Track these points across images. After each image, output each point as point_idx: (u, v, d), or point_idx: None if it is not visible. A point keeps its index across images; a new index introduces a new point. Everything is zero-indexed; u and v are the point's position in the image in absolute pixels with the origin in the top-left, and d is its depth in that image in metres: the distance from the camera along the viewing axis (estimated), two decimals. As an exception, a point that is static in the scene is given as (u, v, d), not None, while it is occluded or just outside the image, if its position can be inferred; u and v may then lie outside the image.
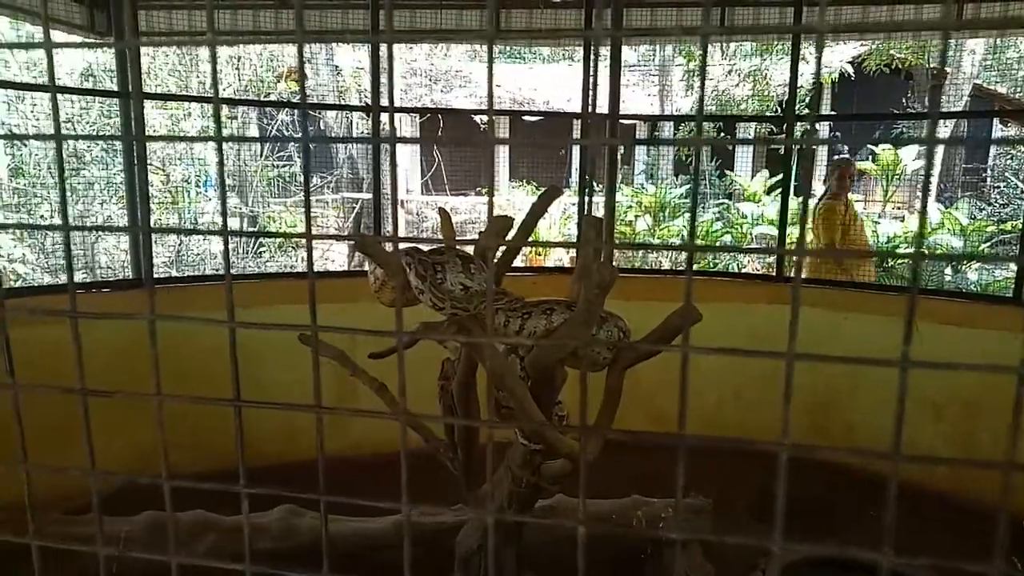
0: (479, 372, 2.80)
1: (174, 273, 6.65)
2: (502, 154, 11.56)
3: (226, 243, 0.71)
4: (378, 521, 3.16)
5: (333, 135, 9.30)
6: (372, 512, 3.23)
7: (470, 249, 2.28)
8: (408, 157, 10.76)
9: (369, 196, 5.11)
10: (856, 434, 4.32)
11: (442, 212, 2.34)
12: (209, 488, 0.79)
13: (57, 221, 6.49)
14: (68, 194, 6.11)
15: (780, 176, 7.64)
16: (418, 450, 3.61)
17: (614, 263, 4.76)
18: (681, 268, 7.24)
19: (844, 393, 4.37)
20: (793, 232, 7.67)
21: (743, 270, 7.67)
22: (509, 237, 2.60)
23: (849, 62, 11.57)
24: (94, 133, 7.07)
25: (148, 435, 3.81)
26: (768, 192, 9.10)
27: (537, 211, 2.63)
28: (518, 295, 2.21)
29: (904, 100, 10.96)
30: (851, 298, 4.60)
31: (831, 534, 3.60)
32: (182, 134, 7.54)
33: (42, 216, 6.74)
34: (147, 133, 4.02)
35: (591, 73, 4.80)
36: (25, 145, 6.77)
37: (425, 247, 2.31)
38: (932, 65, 10.33)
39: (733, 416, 4.57)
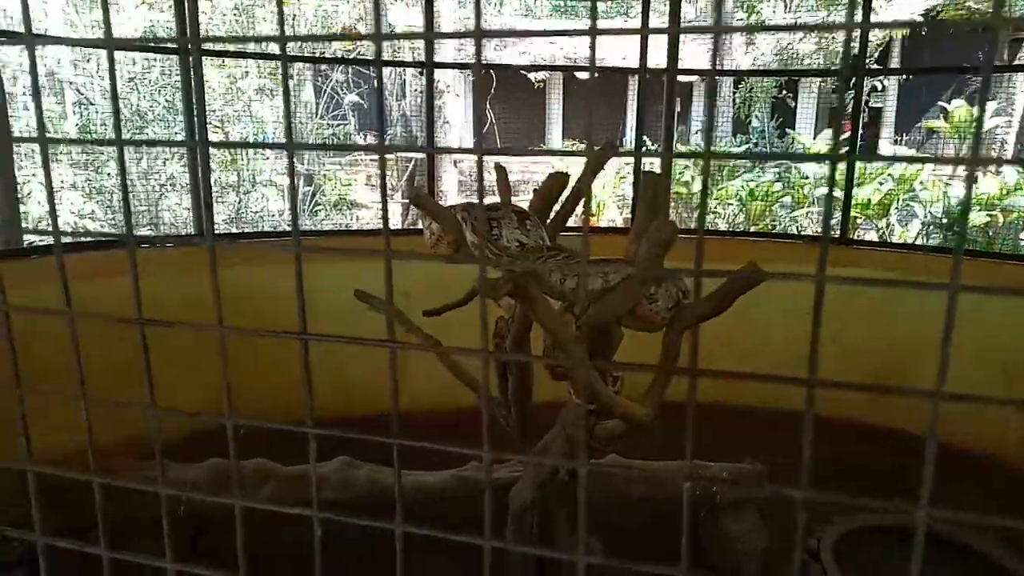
0: (533, 331, 2.79)
1: (234, 230, 6.79)
2: (556, 112, 11.39)
3: (293, 198, 0.70)
4: (437, 474, 3.21)
5: (386, 94, 9.29)
6: (430, 466, 3.29)
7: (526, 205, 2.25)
8: (460, 116, 10.69)
9: (422, 155, 5.10)
10: (925, 400, 4.18)
11: (498, 168, 2.31)
12: (274, 428, 0.79)
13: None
14: (131, 152, 6.27)
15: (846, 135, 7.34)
16: (473, 409, 3.64)
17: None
18: (739, 230, 7.07)
19: (911, 357, 4.23)
20: (859, 193, 7.38)
21: (803, 228, 7.46)
22: (564, 194, 2.55)
23: (921, 14, 10.95)
24: (154, 93, 7.20)
25: (214, 388, 3.93)
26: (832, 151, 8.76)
27: (593, 167, 2.57)
28: (575, 251, 2.17)
29: (980, 54, 10.35)
30: (919, 262, 4.42)
31: (895, 502, 3.51)
32: (241, 93, 7.62)
33: (108, 174, 6.93)
34: (205, 91, 4.07)
35: (646, 27, 4.64)
36: (92, 104, 6.95)
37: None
38: (1013, 16, 9.71)
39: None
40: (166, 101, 6.96)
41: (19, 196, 5.80)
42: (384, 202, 0.76)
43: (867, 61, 9.17)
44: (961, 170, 7.80)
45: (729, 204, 8.33)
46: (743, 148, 9.97)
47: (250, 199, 7.33)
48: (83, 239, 3.84)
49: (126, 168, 0.72)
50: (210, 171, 4.07)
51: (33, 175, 6.10)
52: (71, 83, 7.19)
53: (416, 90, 8.57)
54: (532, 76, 11.16)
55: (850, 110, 4.65)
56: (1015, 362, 3.81)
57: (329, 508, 2.92)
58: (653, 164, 5.38)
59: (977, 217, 7.18)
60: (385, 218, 0.72)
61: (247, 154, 7.39)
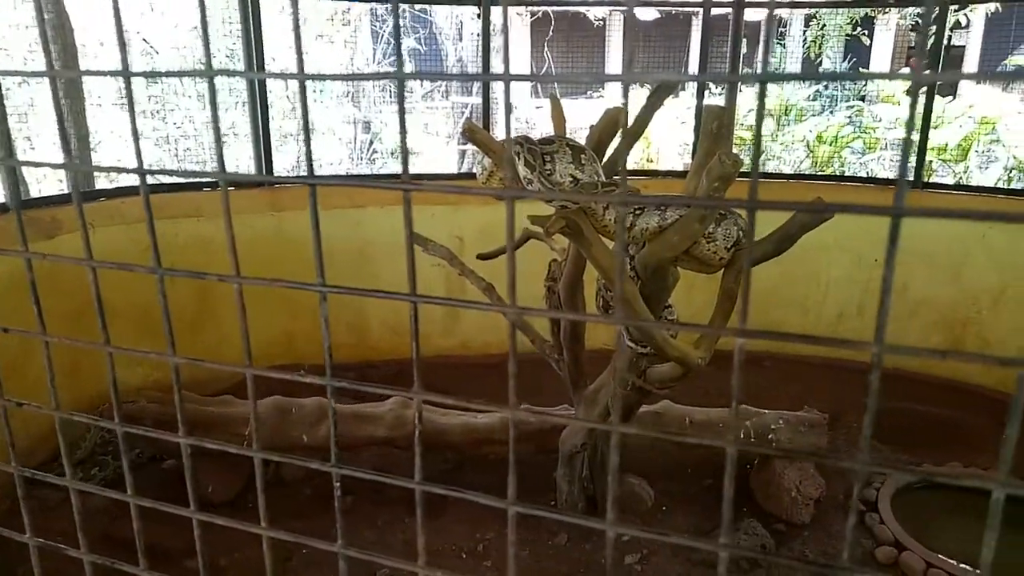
0: (587, 273, 2.75)
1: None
2: (615, 53, 11.06)
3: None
4: (485, 417, 3.24)
5: (443, 37, 9.18)
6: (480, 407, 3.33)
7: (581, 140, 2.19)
8: (517, 59, 10.47)
9: (479, 100, 5.02)
10: (991, 351, 4.00)
11: (553, 99, 2.25)
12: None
13: (190, 127, 6.80)
14: (195, 100, 6.37)
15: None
16: (526, 353, 3.66)
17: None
18: (804, 172, 6.80)
19: (985, 307, 4.04)
20: (936, 136, 6.98)
21: (873, 175, 7.11)
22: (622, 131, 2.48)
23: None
24: (214, 41, 7.27)
25: (279, 328, 4.06)
26: (908, 92, 8.28)
27: (653, 104, 2.48)
28: (633, 188, 2.11)
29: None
30: (994, 204, 4.17)
31: (957, 455, 3.40)
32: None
33: (175, 124, 7.09)
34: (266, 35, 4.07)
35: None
36: (158, 53, 7.07)
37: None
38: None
39: (855, 330, 4.33)
40: (228, 49, 7.03)
41: (90, 145, 5.98)
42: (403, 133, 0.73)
43: (952, -6, 8.58)
44: (1051, 110, 7.19)
45: (795, 149, 8.00)
46: (813, 90, 9.52)
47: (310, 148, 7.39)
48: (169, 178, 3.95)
49: (216, 104, 0.71)
50: (268, 111, 4.10)
51: (100, 127, 6.28)
52: (137, 32, 7.32)
53: (473, 33, 8.42)
54: (591, 15, 10.83)
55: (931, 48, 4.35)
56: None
57: (385, 444, 3.00)
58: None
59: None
60: (404, 157, 0.70)
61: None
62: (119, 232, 3.45)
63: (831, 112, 8.82)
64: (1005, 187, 6.28)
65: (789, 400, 3.41)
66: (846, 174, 7.13)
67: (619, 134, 2.59)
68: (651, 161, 7.55)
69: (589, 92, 10.43)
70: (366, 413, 3.14)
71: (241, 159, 7.00)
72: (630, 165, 5.73)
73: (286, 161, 7.50)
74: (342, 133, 7.52)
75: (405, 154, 0.66)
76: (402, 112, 0.64)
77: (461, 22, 8.56)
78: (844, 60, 10.87)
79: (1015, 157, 7.13)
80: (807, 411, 3.22)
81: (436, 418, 3.17)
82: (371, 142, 7.51)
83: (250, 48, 3.95)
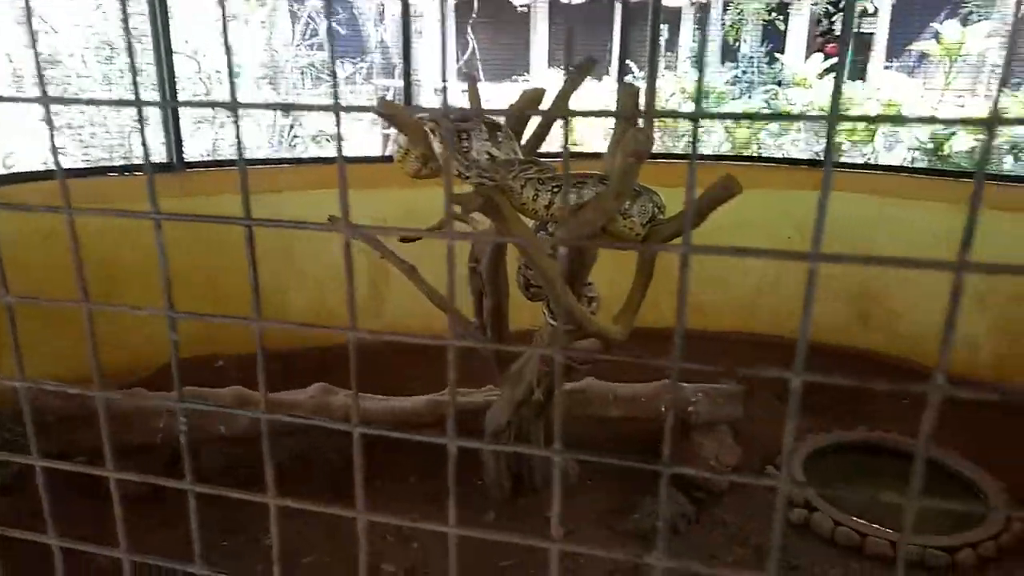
0: (509, 253, 2.76)
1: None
2: (541, 38, 11.09)
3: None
4: (411, 400, 3.23)
5: (365, 19, 8.99)
6: (405, 391, 3.30)
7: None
8: (440, 43, 10.35)
9: (401, 83, 4.94)
10: (899, 322, 4.23)
11: (469, 77, 2.23)
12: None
13: (92, 111, 6.46)
14: (102, 83, 6.06)
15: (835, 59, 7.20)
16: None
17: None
18: (721, 154, 6.98)
19: (890, 281, 4.25)
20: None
21: (786, 155, 7.37)
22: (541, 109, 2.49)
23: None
24: (124, 21, 6.91)
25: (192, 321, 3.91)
26: (821, 76, 8.59)
27: (572, 82, 2.50)
28: (550, 164, 2.11)
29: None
30: (897, 183, 4.39)
31: (864, 420, 3.58)
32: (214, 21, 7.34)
33: (79, 109, 6.72)
34: (170, 20, 3.90)
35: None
36: (56, 32, 6.68)
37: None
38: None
39: (771, 305, 4.49)
40: (134, 28, 6.70)
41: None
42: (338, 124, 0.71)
43: (859, -18, 8.93)
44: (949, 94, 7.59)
45: (715, 131, 8.20)
46: (732, 74, 9.77)
47: (226, 130, 7.15)
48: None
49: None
50: (177, 96, 3.93)
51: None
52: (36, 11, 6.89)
53: (395, 15, 8.28)
54: (516, 0, 10.81)
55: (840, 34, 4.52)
56: (988, 283, 3.83)
57: (305, 433, 2.96)
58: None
59: (964, 141, 7.11)
60: (339, 142, 0.68)
61: (221, 84, 7.18)
62: (19, 220, 3.26)
63: (749, 96, 9.08)
64: (909, 166, 6.59)
65: (708, 373, 3.51)
66: (763, 155, 7.36)
67: (542, 115, 2.60)
68: (577, 144, 7.61)
69: (515, 76, 10.42)
70: (286, 400, 3.07)
71: (151, 145, 6.70)
72: (553, 147, 5.76)
73: (201, 146, 7.23)
74: (261, 117, 7.28)
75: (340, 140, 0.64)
76: (336, 96, 0.62)
77: (383, 4, 8.40)
78: (761, 45, 11.19)
79: (918, 139, 7.50)
80: (725, 383, 3.33)
81: (360, 402, 3.13)
82: (291, 126, 7.31)
83: (156, 29, 3.78)
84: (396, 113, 1.94)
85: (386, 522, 0.72)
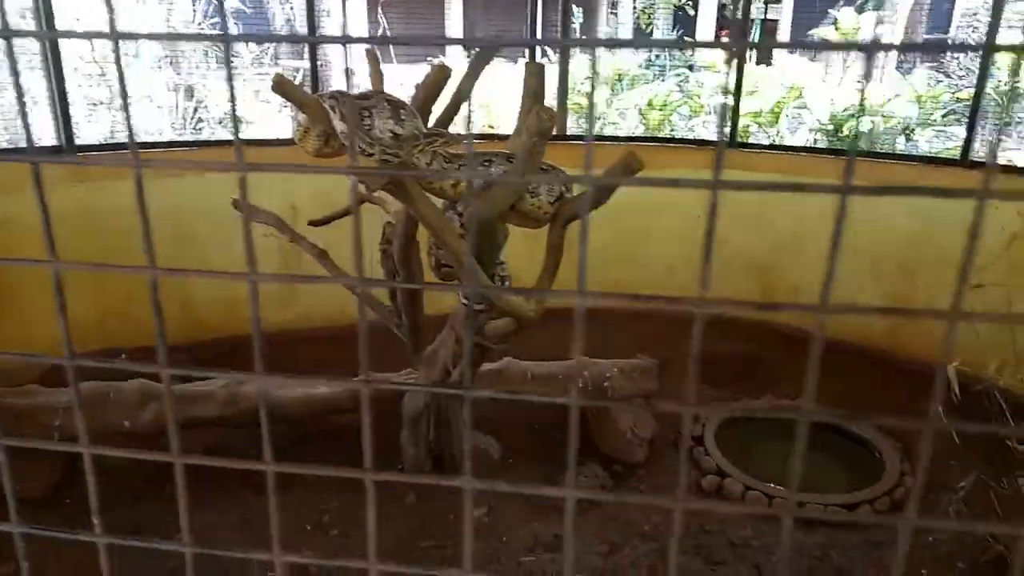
0: (420, 234, 2.73)
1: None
2: (455, 20, 10.99)
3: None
4: (329, 386, 3.16)
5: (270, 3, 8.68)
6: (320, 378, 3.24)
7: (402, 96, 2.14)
8: (352, 23, 10.10)
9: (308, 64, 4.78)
10: (800, 294, 4.42)
11: (369, 55, 2.18)
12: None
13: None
14: (-20, 62, 5.63)
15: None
16: (368, 321, 3.59)
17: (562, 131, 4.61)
18: (636, 135, 7.10)
19: (790, 254, 4.43)
20: (751, 103, 7.54)
21: (697, 137, 7.57)
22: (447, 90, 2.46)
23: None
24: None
25: (88, 309, 3.72)
26: (727, 62, 8.87)
27: (476, 67, 2.48)
28: (456, 134, 2.09)
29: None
30: (800, 162, 4.58)
31: (769, 388, 3.74)
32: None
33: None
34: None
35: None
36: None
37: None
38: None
39: (684, 283, 4.62)
40: (20, 10, 6.26)
41: None
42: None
43: (761, -31, 9.22)
44: (849, 77, 7.93)
45: (630, 114, 8.34)
46: (644, 58, 9.94)
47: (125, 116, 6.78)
48: None
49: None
50: (63, 79, 3.69)
51: None
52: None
53: (303, -5, 8.02)
54: (429, -17, 10.65)
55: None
56: (879, 255, 4.05)
57: (217, 425, 2.85)
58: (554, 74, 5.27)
59: (863, 124, 7.48)
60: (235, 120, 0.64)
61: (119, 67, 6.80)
62: None
63: (662, 80, 9.26)
64: (811, 147, 6.88)
65: (622, 350, 3.58)
66: (675, 137, 7.54)
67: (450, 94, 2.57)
68: (492, 127, 7.59)
69: (429, 57, 10.29)
70: (196, 393, 2.96)
71: (38, 128, 6.30)
72: (464, 129, 5.72)
73: (98, 131, 6.84)
74: (162, 100, 6.94)
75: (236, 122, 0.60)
76: (230, 77, 0.59)
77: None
78: (672, 30, 11.43)
79: (819, 121, 7.84)
80: (639, 358, 3.40)
81: (273, 391, 3.05)
82: (195, 109, 7.00)
83: (39, 5, 3.53)
84: (291, 91, 1.88)
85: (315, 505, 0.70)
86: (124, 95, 0.62)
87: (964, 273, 0.48)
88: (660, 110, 8.09)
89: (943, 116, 8.02)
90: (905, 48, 1.04)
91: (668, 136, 7.46)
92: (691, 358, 0.60)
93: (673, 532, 0.60)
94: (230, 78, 0.63)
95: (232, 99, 0.65)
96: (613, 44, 0.65)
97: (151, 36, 0.59)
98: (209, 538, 2.68)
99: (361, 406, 0.56)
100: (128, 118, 0.62)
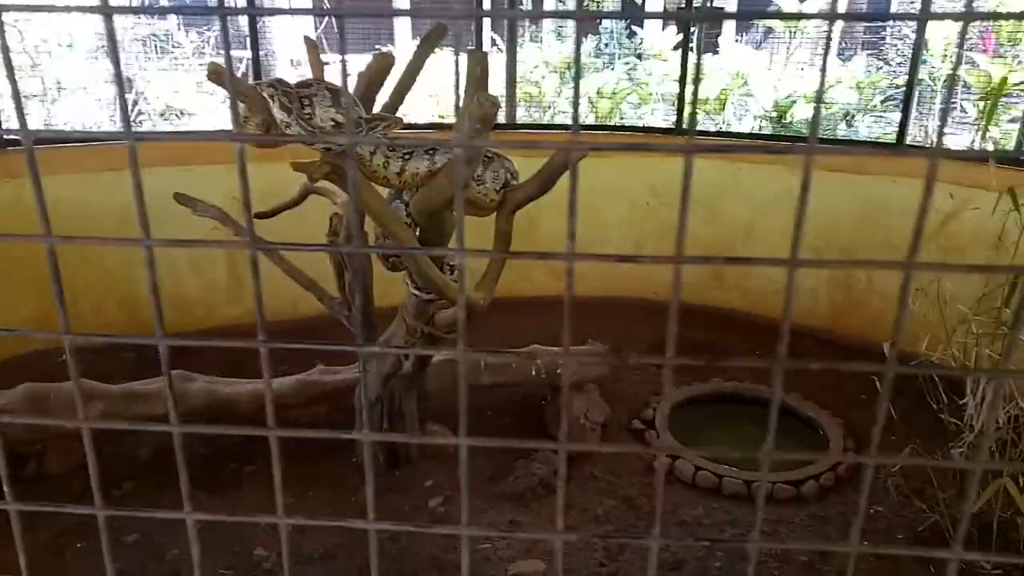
0: (367, 224, 2.71)
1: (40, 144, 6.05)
2: (402, 3, 10.87)
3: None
4: (278, 381, 3.12)
5: (212, -12, 8.46)
6: (278, 374, 3.19)
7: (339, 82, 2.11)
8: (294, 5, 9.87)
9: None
10: (749, 280, 4.51)
11: (307, 41, 2.15)
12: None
13: None
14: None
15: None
16: (315, 316, 3.53)
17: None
18: (589, 124, 7.14)
19: (739, 241, 4.51)
20: (700, 91, 7.65)
21: (646, 124, 7.65)
22: (391, 77, 2.44)
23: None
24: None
25: (28, 307, 3.60)
26: (675, 49, 8.96)
27: (422, 52, 2.46)
28: (398, 116, 2.07)
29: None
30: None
31: (718, 371, 3.81)
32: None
33: None
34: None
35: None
36: None
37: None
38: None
39: (634, 269, 4.67)
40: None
41: None
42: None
43: (707, -43, 9.33)
44: (799, 64, 8.04)
45: (580, 103, 8.38)
46: (593, 47, 9.98)
47: (59, 109, 6.56)
48: None
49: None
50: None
51: None
52: None
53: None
54: (375, -29, 10.49)
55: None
56: (824, 234, 4.15)
57: (164, 422, 2.75)
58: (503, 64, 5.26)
59: (803, 110, 7.66)
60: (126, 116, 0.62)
61: (50, 56, 6.57)
62: None
63: (612, 67, 9.32)
64: (756, 133, 7.02)
65: (575, 336, 3.61)
66: (625, 125, 7.61)
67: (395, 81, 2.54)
68: (442, 117, 7.55)
69: (378, 46, 10.15)
70: (140, 391, 2.89)
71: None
72: (414, 119, 5.69)
73: (30, 124, 6.57)
74: (98, 92, 6.72)
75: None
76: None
77: (231, -30, 7.91)
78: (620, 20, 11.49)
79: (764, 108, 8.00)
80: (591, 344, 3.44)
81: (222, 388, 3.00)
82: (135, 102, 6.79)
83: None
84: (227, 80, 1.84)
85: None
86: (119, 80, 0.60)
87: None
88: (610, 99, 8.15)
89: (882, 102, 8.26)
90: (848, 18, 1.07)
91: (618, 124, 7.53)
92: (668, 323, 0.61)
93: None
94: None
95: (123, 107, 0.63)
96: (559, 16, 0.65)
97: (141, 9, 0.58)
98: (157, 543, 2.62)
99: (312, 402, 0.55)
100: (122, 95, 0.60)
